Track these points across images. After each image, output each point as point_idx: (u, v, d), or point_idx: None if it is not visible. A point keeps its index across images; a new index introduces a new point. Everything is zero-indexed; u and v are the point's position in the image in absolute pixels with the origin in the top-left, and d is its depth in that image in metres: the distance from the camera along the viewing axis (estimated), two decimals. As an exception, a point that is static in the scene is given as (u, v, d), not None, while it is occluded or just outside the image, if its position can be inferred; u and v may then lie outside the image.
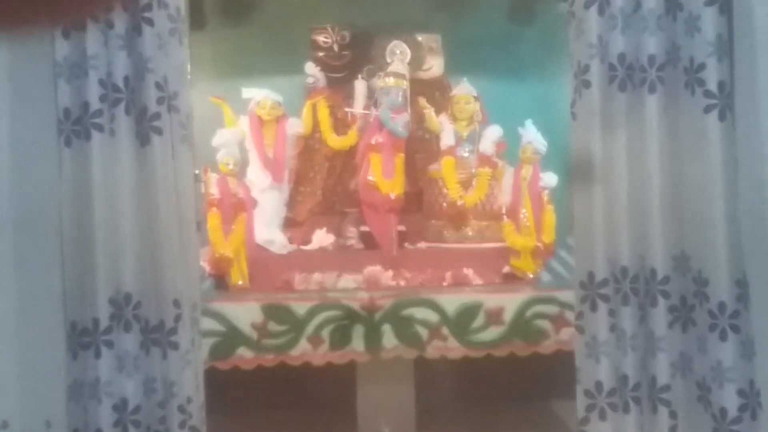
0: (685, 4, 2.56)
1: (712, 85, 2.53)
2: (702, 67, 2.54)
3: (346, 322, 3.66)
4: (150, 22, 2.57)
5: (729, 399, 2.51)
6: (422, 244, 4.13)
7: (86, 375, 2.56)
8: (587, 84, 2.58)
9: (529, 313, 3.66)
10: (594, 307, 2.59)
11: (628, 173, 2.60)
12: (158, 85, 2.57)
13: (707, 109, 2.53)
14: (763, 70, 2.61)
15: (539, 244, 3.92)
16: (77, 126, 2.56)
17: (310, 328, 3.62)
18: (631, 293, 2.59)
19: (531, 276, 3.90)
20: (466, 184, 4.05)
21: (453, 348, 3.66)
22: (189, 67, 2.80)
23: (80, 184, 2.56)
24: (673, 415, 2.57)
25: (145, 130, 2.56)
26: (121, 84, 2.57)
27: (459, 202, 4.01)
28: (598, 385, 2.58)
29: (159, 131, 2.56)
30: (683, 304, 2.59)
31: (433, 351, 3.67)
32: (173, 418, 2.56)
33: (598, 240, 2.60)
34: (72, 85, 2.57)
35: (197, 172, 3.10)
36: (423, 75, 4.15)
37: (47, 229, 2.58)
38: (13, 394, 2.62)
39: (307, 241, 4.11)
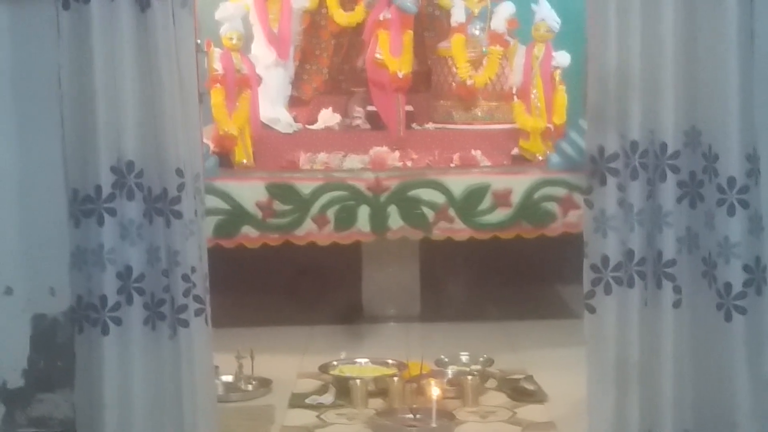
0: None
1: (732, -48, 2.43)
2: (722, -69, 2.44)
3: (351, 202, 3.65)
4: None
5: (734, 274, 2.49)
6: (430, 125, 4.09)
7: (89, 242, 2.53)
8: (604, -48, 2.49)
9: (536, 195, 3.65)
10: (603, 182, 2.55)
11: (641, 45, 2.52)
12: (157, -54, 2.48)
13: (725, -21, 2.44)
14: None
15: (550, 126, 3.88)
16: (76, -12, 2.49)
17: (315, 208, 3.62)
18: (640, 168, 2.54)
19: (540, 158, 3.87)
20: (476, 64, 3.97)
21: (459, 230, 3.66)
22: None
23: (80, 49, 2.49)
24: (677, 289, 2.55)
25: (144, -8, 2.49)
26: (119, -55, 2.47)
27: (468, 82, 3.95)
28: (605, 259, 2.56)
29: (159, -6, 2.49)
30: (692, 179, 2.54)
31: (439, 232, 3.67)
32: (177, 286, 2.54)
33: (609, 114, 2.54)
34: (69, -54, 2.47)
35: (199, 42, 3.03)
36: (434, -53, 4.02)
37: (46, 94, 2.53)
38: (17, 261, 2.62)
39: (313, 121, 4.07)
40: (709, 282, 2.55)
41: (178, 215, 2.54)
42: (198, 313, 2.56)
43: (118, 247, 2.54)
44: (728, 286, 2.50)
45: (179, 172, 2.54)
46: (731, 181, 2.48)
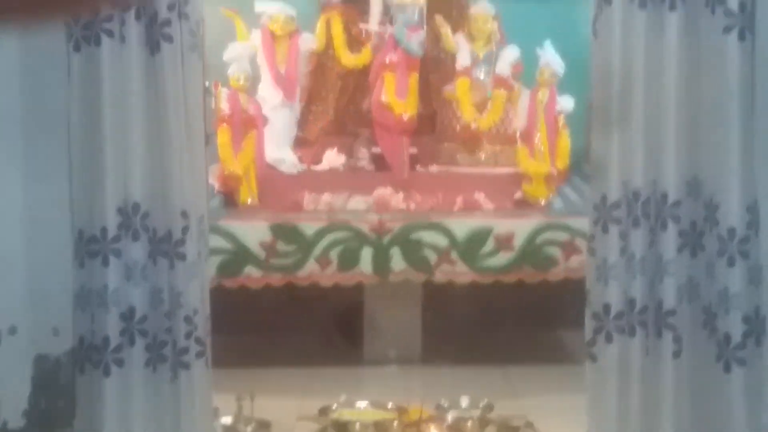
0: None
1: (733, 5, 2.47)
2: (723, -16, 2.48)
3: (354, 244, 3.65)
4: (161, -74, 2.51)
5: (734, 325, 2.50)
6: (434, 167, 4.10)
7: (94, 283, 2.55)
8: (608, 1, 2.53)
9: (539, 239, 3.65)
10: (605, 230, 2.57)
11: (645, 94, 2.55)
12: (169, -9, 2.52)
13: (727, 29, 2.47)
14: (788, -9, 2.54)
15: (553, 170, 3.89)
16: (87, 31, 2.52)
17: (318, 249, 3.62)
18: (642, 216, 2.56)
19: (543, 202, 3.88)
20: (480, 107, 4.00)
21: (461, 273, 3.66)
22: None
23: (89, 91, 2.52)
24: (677, 339, 2.56)
25: (155, 36, 2.52)
26: (131, -11, 2.51)
27: (473, 125, 3.97)
28: (606, 307, 2.57)
29: (169, 38, 2.52)
30: (693, 229, 2.56)
31: (441, 275, 3.68)
32: (179, 328, 2.55)
33: (613, 163, 2.57)
34: (81, -10, 2.51)
35: (207, 84, 3.06)
36: (440, -8, 4.06)
37: (55, 135, 2.56)
38: (21, 300, 2.62)
39: (318, 161, 4.09)
40: (710, 332, 2.55)
41: (182, 257, 2.56)
42: (199, 355, 2.57)
43: (122, 288, 2.56)
44: (728, 336, 2.51)
45: (184, 215, 2.56)
46: (732, 231, 2.50)
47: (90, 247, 2.55)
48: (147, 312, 2.57)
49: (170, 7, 2.51)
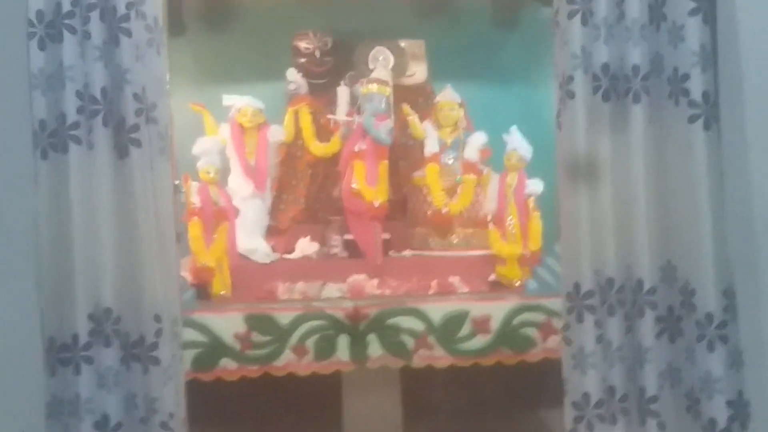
0: (668, 14, 2.56)
1: (697, 95, 2.52)
2: (686, 77, 2.54)
3: (330, 331, 3.62)
4: (127, 33, 2.54)
5: (718, 410, 2.50)
6: (407, 252, 4.10)
7: (66, 392, 2.52)
8: (571, 95, 2.57)
9: (515, 321, 3.64)
10: (580, 318, 2.58)
11: (613, 184, 2.59)
12: (136, 96, 2.54)
13: (692, 119, 2.52)
14: (748, 79, 2.61)
15: (525, 252, 3.90)
16: (54, 138, 2.52)
17: (294, 339, 3.59)
18: (617, 304, 2.58)
19: (517, 284, 3.88)
20: (450, 192, 4.02)
21: (439, 357, 3.63)
22: (168, 75, 2.76)
23: (57, 198, 2.52)
24: (661, 426, 2.56)
25: (123, 142, 2.53)
26: (98, 95, 2.53)
27: (444, 210, 3.98)
28: (586, 396, 2.57)
29: (137, 143, 2.53)
30: (670, 315, 2.58)
31: (419, 360, 3.65)
32: (155, 435, 2.52)
33: (584, 251, 2.59)
34: (48, 97, 2.53)
35: (177, 182, 3.06)
36: (406, 81, 4.11)
37: (22, 244, 2.54)
38: (-9, 412, 2.57)
39: (291, 250, 4.07)
40: (694, 417, 2.55)
41: (156, 361, 2.53)
42: (176, 461, 2.52)
43: (95, 396, 2.52)
44: (713, 421, 2.51)
45: (157, 318, 2.54)
46: (709, 316, 2.52)
47: (61, 355, 2.52)
48: (121, 419, 2.53)
49: (137, 113, 2.52)
